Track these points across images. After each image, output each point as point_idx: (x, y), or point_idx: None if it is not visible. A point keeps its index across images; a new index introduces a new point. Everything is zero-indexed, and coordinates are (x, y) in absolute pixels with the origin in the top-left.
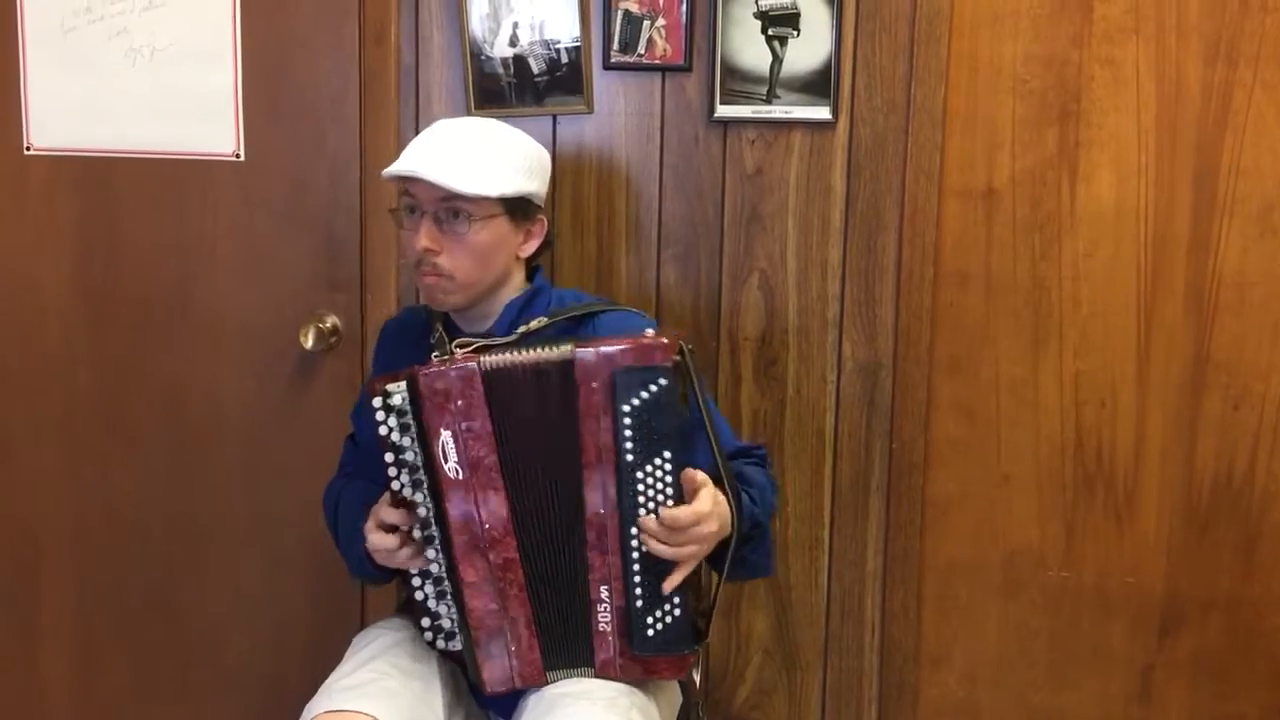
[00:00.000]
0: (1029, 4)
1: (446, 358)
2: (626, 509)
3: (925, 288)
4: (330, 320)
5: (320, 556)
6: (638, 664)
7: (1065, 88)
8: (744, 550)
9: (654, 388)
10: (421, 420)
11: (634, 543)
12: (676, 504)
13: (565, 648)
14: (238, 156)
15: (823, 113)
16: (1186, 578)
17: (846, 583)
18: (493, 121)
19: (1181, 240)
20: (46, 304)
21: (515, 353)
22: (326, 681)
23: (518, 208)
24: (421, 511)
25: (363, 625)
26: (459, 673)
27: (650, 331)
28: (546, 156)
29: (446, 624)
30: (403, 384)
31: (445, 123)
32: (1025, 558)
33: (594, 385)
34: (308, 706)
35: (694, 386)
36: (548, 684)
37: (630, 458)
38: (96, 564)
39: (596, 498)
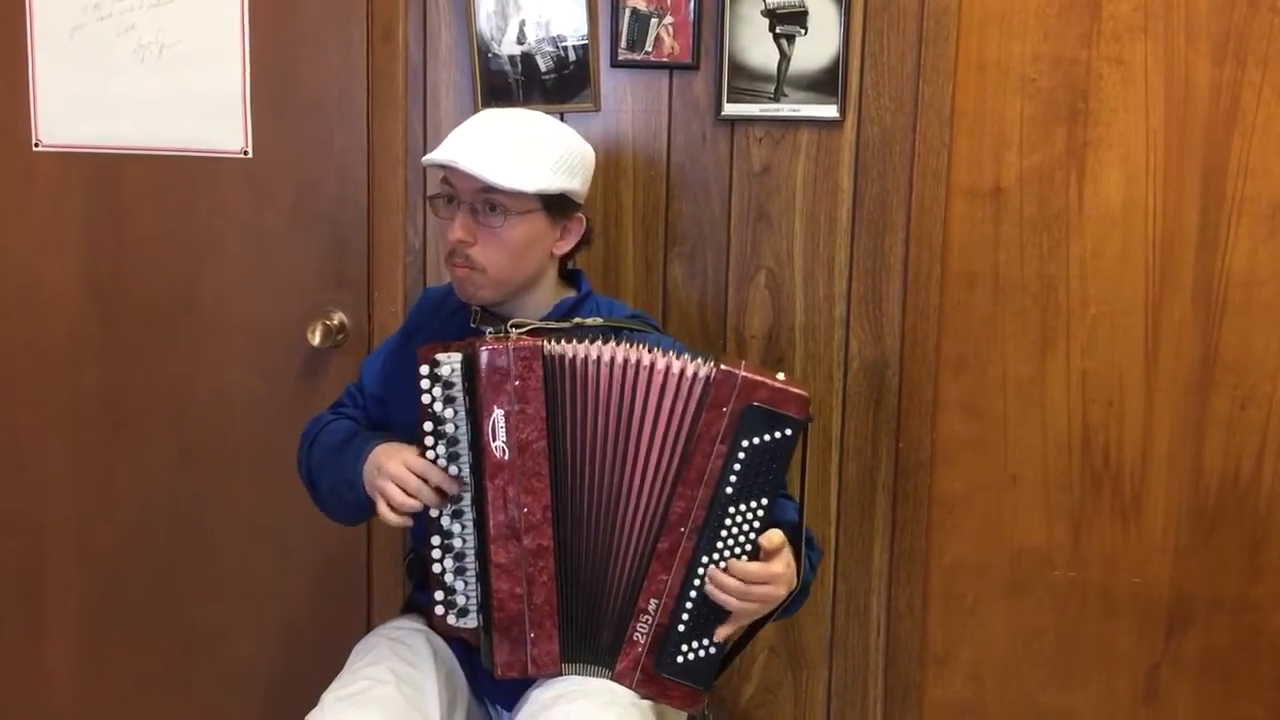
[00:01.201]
0: (1037, 3)
1: (503, 335)
2: (706, 537)
3: (932, 286)
4: (337, 318)
5: (327, 554)
6: (654, 683)
7: (1073, 87)
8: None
9: (778, 435)
10: (475, 395)
11: (700, 570)
12: (753, 554)
13: (588, 644)
14: (245, 154)
15: (830, 111)
16: (1193, 578)
17: (852, 581)
18: (538, 114)
19: (1189, 240)
20: (54, 301)
21: (590, 343)
22: (325, 692)
23: (555, 205)
24: (453, 489)
25: (369, 622)
26: (456, 673)
27: (783, 377)
28: (591, 153)
29: (460, 600)
30: (455, 356)
31: (491, 112)
32: (1032, 557)
33: (724, 409)
34: (307, 718)
35: (804, 449)
36: (561, 675)
37: (730, 491)
38: (102, 561)
39: (681, 515)
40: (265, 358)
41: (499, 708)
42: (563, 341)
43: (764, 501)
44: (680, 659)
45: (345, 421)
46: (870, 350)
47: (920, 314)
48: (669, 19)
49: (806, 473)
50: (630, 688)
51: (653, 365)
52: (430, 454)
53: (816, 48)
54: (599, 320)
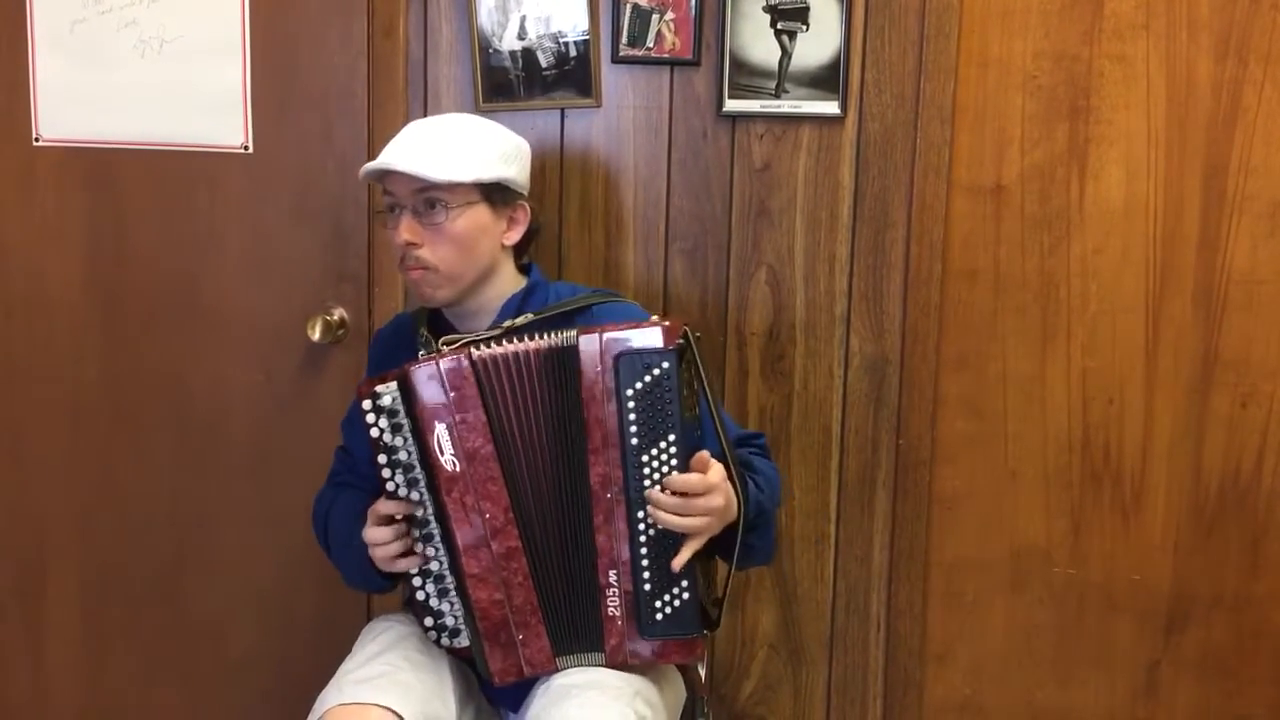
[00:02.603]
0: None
1: (433, 354)
2: (633, 493)
3: (933, 284)
4: (337, 313)
5: None
6: (648, 648)
7: (1075, 84)
8: (750, 537)
9: (656, 371)
10: (415, 416)
11: (641, 526)
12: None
13: (575, 633)
14: (246, 149)
15: (831, 107)
16: (1193, 575)
17: (852, 578)
18: (468, 115)
19: (1190, 238)
20: (54, 296)
21: (510, 342)
22: (337, 673)
23: (496, 194)
24: (419, 511)
25: (368, 616)
26: (468, 668)
27: (655, 318)
28: (525, 145)
29: (450, 621)
30: (392, 384)
31: (418, 121)
32: (1032, 554)
33: (597, 370)
34: (320, 698)
35: (698, 372)
36: (558, 670)
37: (635, 441)
38: (103, 556)
39: (602, 482)
40: (265, 353)
41: (506, 711)
42: (493, 344)
43: (671, 439)
44: (659, 616)
45: (346, 499)
46: (871, 347)
47: (921, 311)
48: (670, 15)
49: (726, 401)
50: (627, 662)
51: (542, 347)
52: (390, 485)
53: (818, 44)
54: (529, 317)
